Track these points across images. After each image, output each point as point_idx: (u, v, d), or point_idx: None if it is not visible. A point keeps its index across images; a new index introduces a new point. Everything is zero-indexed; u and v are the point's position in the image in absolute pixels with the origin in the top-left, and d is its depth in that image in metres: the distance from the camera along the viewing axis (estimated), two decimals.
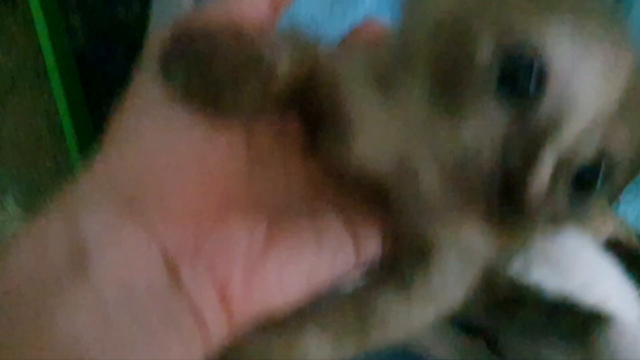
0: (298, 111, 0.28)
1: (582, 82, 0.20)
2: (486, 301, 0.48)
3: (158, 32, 0.25)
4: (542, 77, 0.19)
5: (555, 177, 0.20)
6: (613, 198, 0.59)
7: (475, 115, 0.20)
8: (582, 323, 0.42)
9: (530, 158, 0.19)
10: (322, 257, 0.26)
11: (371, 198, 0.26)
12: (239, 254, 0.24)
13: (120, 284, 0.22)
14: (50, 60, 0.52)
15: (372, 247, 0.27)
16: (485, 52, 0.19)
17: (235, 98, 0.25)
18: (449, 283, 0.28)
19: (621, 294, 0.42)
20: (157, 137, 0.24)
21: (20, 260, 0.22)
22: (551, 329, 0.44)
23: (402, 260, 0.27)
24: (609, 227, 0.52)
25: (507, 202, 0.19)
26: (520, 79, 0.19)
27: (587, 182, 0.20)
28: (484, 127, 0.20)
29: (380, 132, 0.22)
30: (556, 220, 0.21)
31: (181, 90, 0.24)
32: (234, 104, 0.25)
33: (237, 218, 0.24)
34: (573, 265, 0.41)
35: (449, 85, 0.21)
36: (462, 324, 0.51)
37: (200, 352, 0.23)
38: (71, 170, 0.54)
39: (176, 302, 0.23)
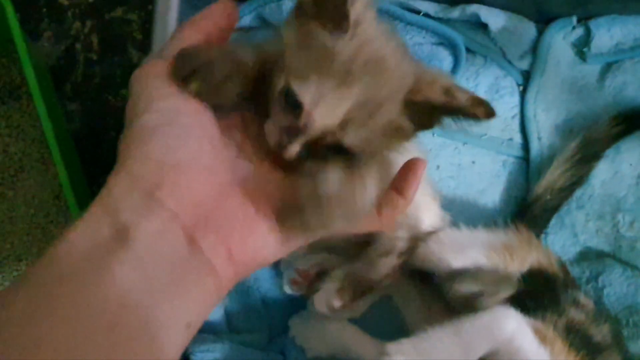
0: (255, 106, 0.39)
1: (318, 109, 0.35)
2: None
3: (154, 60, 0.37)
4: (299, 104, 0.34)
5: (313, 148, 0.36)
6: (540, 229, 0.69)
7: (274, 115, 0.37)
8: None
9: (295, 137, 0.36)
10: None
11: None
12: (236, 224, 0.34)
13: (153, 249, 0.30)
14: (52, 143, 0.59)
15: None
16: (278, 89, 0.36)
17: (228, 90, 0.36)
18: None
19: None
20: (165, 146, 0.33)
21: (76, 239, 0.30)
22: None
23: None
24: (533, 255, 0.59)
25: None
26: (291, 104, 0.35)
27: (340, 149, 0.36)
28: (278, 120, 0.36)
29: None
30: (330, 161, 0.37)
31: (194, 92, 0.35)
32: (227, 95, 0.36)
33: (233, 201, 0.34)
34: None
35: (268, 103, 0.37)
36: None
37: (214, 292, 0.32)
38: None
39: (195, 258, 0.32)
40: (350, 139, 0.36)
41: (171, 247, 0.31)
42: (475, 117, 0.36)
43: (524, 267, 0.59)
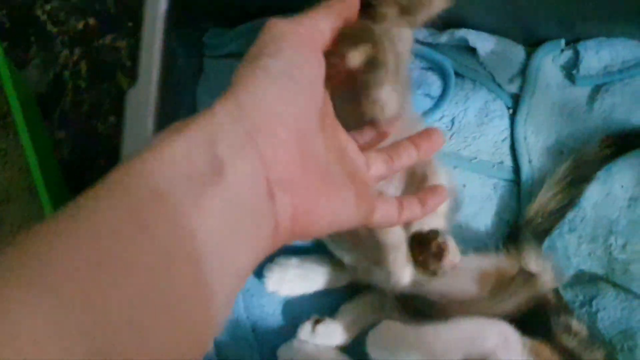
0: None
1: None
2: None
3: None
4: None
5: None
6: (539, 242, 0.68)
7: None
8: None
9: None
10: (345, 215, 0.38)
11: None
12: (308, 196, 0.34)
13: (240, 190, 0.30)
14: (36, 173, 0.58)
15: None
16: None
17: None
18: None
19: None
20: (279, 97, 0.34)
21: (172, 158, 0.28)
22: None
23: None
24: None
25: None
26: None
27: None
28: None
29: None
30: None
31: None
32: None
33: (310, 173, 0.35)
34: None
35: None
36: None
37: (267, 251, 0.33)
38: None
39: (268, 213, 0.32)
40: None
41: (255, 194, 0.31)
42: None
43: None
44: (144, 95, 0.50)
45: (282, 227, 0.33)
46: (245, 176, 0.30)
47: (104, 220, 0.25)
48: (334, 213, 0.36)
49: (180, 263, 0.26)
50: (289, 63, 0.35)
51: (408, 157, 0.46)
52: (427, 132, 0.47)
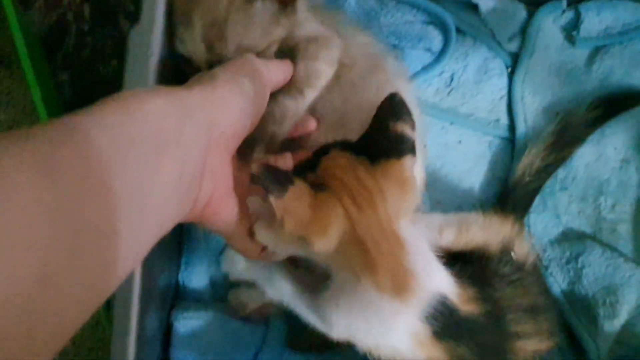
0: None
1: None
2: None
3: None
4: None
5: None
6: (524, 211, 0.67)
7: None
8: None
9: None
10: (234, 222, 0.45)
11: None
12: (224, 188, 0.43)
13: (188, 163, 0.37)
14: (42, 112, 0.59)
15: None
16: None
17: None
18: None
19: None
20: (237, 106, 0.42)
21: (146, 116, 0.33)
22: None
23: None
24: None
25: None
26: None
27: None
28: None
29: None
30: None
31: None
32: None
33: (229, 172, 0.43)
34: None
35: None
36: None
37: (186, 215, 0.40)
38: None
39: (195, 188, 0.38)
40: None
41: (194, 170, 0.37)
42: None
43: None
44: (147, 35, 0.51)
45: (199, 203, 0.39)
46: (194, 155, 0.37)
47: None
48: (232, 214, 0.43)
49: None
50: (255, 90, 0.44)
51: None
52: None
